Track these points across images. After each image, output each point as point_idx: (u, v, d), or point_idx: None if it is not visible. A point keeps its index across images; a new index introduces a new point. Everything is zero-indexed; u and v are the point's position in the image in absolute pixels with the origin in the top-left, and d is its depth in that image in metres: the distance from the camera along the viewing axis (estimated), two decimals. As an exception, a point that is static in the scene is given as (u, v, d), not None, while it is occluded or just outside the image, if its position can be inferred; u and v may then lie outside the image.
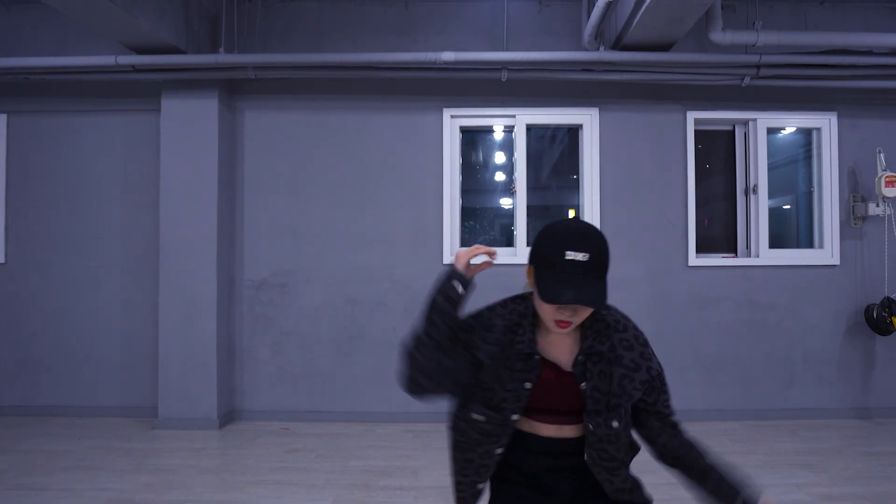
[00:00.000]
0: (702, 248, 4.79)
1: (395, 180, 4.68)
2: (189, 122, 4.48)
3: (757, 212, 4.75)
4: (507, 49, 4.51)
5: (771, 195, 4.86)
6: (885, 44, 4.15)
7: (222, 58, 4.11)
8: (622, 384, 1.35)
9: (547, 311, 1.30)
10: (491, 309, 1.44)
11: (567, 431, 1.41)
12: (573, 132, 4.90)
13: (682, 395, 4.43)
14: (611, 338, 1.37)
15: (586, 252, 1.23)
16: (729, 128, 4.92)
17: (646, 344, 1.42)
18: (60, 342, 4.75)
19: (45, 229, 4.77)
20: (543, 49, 4.41)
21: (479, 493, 1.46)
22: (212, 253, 4.47)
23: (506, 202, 4.96)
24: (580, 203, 4.77)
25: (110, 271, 4.77)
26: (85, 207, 4.77)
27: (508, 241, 4.84)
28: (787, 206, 5.19)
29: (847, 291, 4.73)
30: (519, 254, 4.67)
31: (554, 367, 1.38)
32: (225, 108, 4.58)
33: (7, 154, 4.80)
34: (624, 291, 4.52)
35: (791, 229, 5.12)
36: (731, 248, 4.90)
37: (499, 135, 5.02)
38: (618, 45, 4.15)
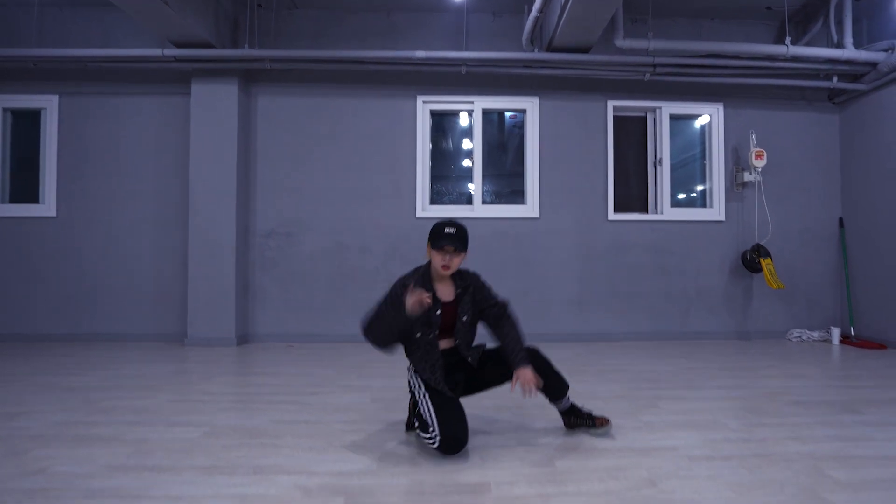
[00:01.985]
0: (620, 208, 6.10)
1: (378, 151, 5.89)
2: (214, 103, 5.62)
3: (662, 179, 6.09)
4: (467, 49, 5.78)
5: (684, 177, 6.20)
6: (752, 51, 5.51)
7: (246, 52, 5.29)
8: (473, 300, 2.65)
9: (437, 260, 2.51)
10: (403, 278, 2.57)
11: (449, 344, 2.64)
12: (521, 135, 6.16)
13: (604, 322, 5.82)
14: (466, 282, 2.64)
15: (453, 228, 2.52)
16: (641, 114, 6.25)
17: (478, 279, 2.69)
18: (102, 281, 5.82)
19: (89, 189, 5.84)
20: (495, 50, 5.68)
21: (439, 378, 2.54)
22: (231, 207, 5.60)
23: (467, 175, 6.19)
24: (524, 171, 6.03)
25: (145, 223, 5.86)
26: (124, 172, 5.86)
27: (468, 200, 6.08)
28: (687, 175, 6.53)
29: (731, 241, 6.08)
30: (476, 209, 5.92)
31: (445, 302, 2.59)
32: (242, 93, 5.74)
33: (59, 128, 5.86)
34: (558, 239, 5.84)
35: (689, 193, 6.46)
36: (643, 208, 6.22)
37: (464, 121, 6.23)
38: (549, 48, 5.43)
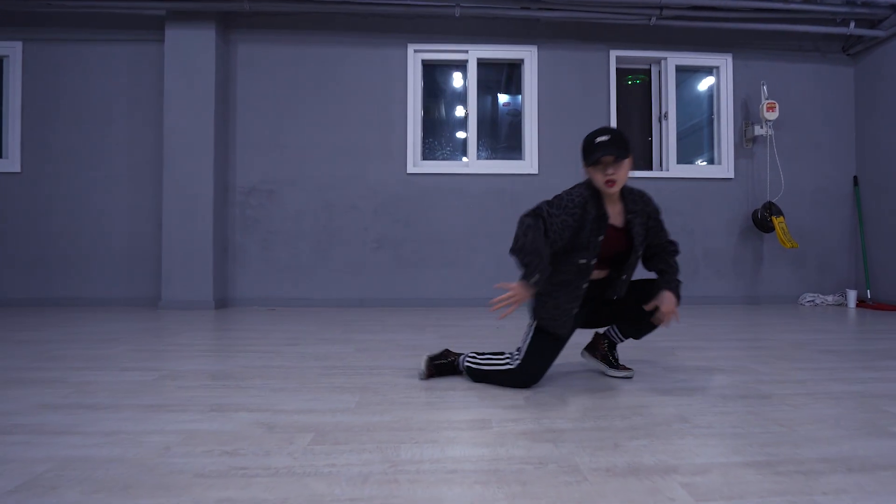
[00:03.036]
0: (623, 165, 5.73)
1: (367, 103, 5.51)
2: (190, 50, 5.22)
3: (668, 134, 5.73)
4: (461, -9, 5.39)
5: (680, 122, 5.85)
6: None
7: (222, -12, 4.87)
8: (646, 227, 2.22)
9: (598, 177, 2.07)
10: (568, 192, 2.13)
11: (601, 275, 2.28)
12: (516, 68, 5.78)
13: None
14: (640, 203, 2.19)
15: (608, 135, 2.04)
16: (646, 66, 5.88)
17: (652, 202, 2.24)
18: (72, 242, 5.43)
19: (57, 143, 5.44)
20: (491, -8, 5.30)
21: (574, 317, 2.25)
22: (209, 162, 5.22)
23: (461, 135, 5.82)
24: (522, 124, 5.67)
25: (117, 180, 5.46)
26: (94, 124, 5.46)
27: (463, 151, 5.71)
28: (694, 131, 6.18)
29: (740, 200, 5.75)
30: (470, 165, 5.55)
31: (612, 226, 2.16)
32: (221, 40, 5.33)
33: (23, 77, 5.44)
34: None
35: (696, 149, 6.11)
36: (647, 165, 5.87)
37: (458, 83, 5.85)
38: (550, -13, 5.06)
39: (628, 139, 2.14)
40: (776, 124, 5.61)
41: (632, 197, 2.20)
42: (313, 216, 5.44)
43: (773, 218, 5.44)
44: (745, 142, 5.75)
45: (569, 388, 2.20)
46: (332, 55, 5.50)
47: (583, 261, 2.11)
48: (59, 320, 4.29)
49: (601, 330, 2.86)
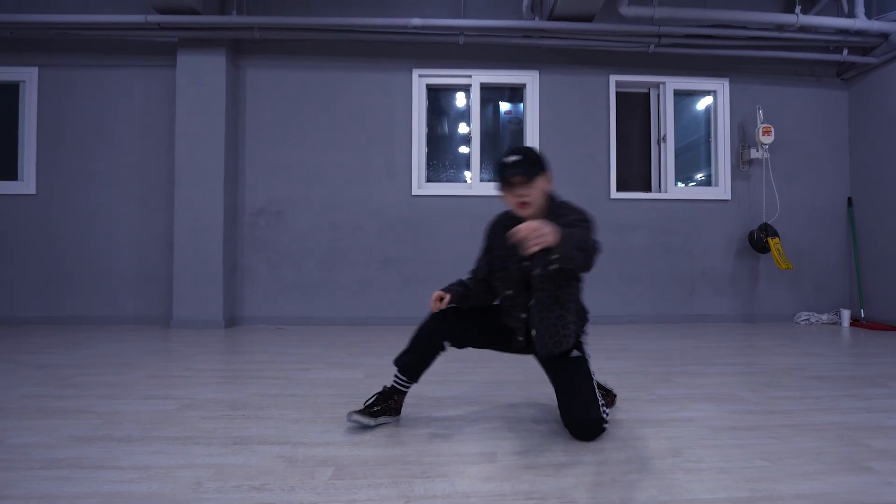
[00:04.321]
0: (622, 186, 5.89)
1: (372, 127, 5.66)
2: (201, 76, 5.38)
3: (666, 156, 5.88)
4: (465, 17, 5.55)
5: (690, 160, 6.00)
6: (761, 20, 5.31)
7: (234, 19, 5.04)
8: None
9: (510, 199, 2.02)
10: (489, 225, 2.24)
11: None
12: (517, 92, 5.94)
13: (606, 304, 5.60)
14: (558, 216, 1.96)
15: (518, 155, 2.00)
16: (645, 90, 6.04)
17: (582, 214, 2.01)
18: (83, 262, 5.57)
19: (71, 166, 5.59)
20: (493, 19, 5.46)
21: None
22: (219, 184, 5.37)
23: (463, 150, 5.96)
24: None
25: (128, 202, 5.61)
26: (107, 148, 5.61)
27: (467, 167, 5.86)
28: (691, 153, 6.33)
29: (736, 221, 5.89)
30: (474, 187, 5.70)
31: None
32: (231, 65, 5.49)
33: (38, 101, 5.60)
34: (557, 216, 5.60)
35: (692, 166, 6.24)
36: (646, 187, 6.01)
37: (461, 102, 6.00)
38: (550, 16, 5.22)
39: (541, 156, 2.06)
40: (772, 147, 5.76)
41: (557, 212, 2.02)
42: (320, 236, 5.58)
43: (769, 239, 5.57)
44: (742, 164, 5.90)
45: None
46: (338, 79, 5.66)
47: (508, 291, 2.14)
48: (73, 341, 4.43)
49: None
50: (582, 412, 2.02)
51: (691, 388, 2.90)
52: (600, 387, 2.37)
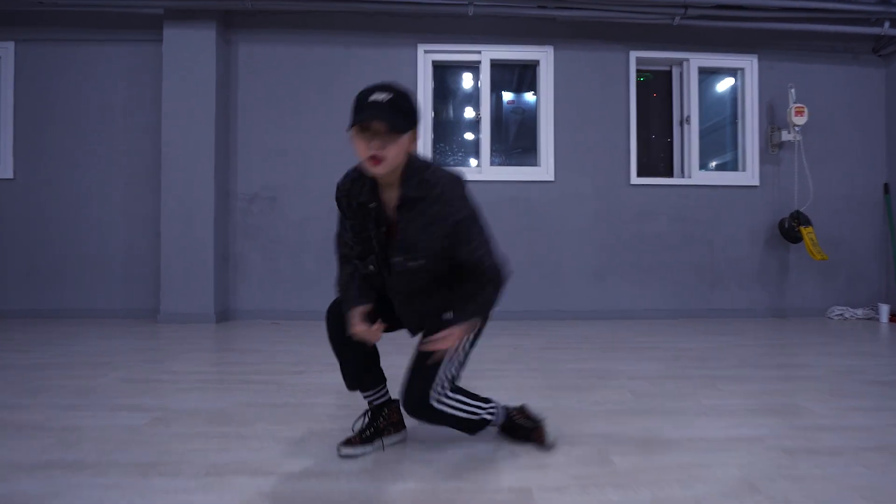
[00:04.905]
0: (643, 171, 5.48)
1: (374, 106, 5.23)
2: (189, 51, 4.97)
3: (690, 139, 5.47)
4: (474, -11, 5.12)
5: (714, 142, 5.58)
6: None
7: (223, -15, 4.62)
8: (429, 230, 1.60)
9: (361, 150, 1.53)
10: (339, 191, 1.72)
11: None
12: (532, 75, 5.53)
13: (624, 297, 5.22)
14: (424, 190, 1.59)
15: (387, 93, 1.51)
16: (667, 68, 5.61)
17: (460, 197, 1.62)
18: (67, 251, 5.19)
19: (51, 149, 5.20)
20: (504, -11, 5.03)
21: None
22: (209, 168, 4.97)
23: (470, 135, 5.56)
24: (537, 129, 5.40)
25: (113, 187, 5.22)
26: (90, 129, 5.21)
27: (476, 154, 5.46)
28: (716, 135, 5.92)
29: (765, 208, 5.48)
30: (484, 172, 5.30)
31: (388, 216, 1.66)
32: (221, 40, 5.08)
33: (15, 79, 5.20)
34: (575, 205, 5.24)
35: (719, 155, 5.83)
36: (668, 172, 5.61)
37: (468, 84, 5.59)
38: (568, -16, 4.80)
39: (415, 106, 1.60)
40: (804, 129, 5.34)
41: (418, 180, 1.60)
42: (318, 224, 5.19)
43: (802, 228, 5.17)
44: (771, 147, 5.49)
45: (611, 440, 1.95)
46: (337, 56, 5.24)
47: (370, 268, 1.70)
48: (52, 337, 4.05)
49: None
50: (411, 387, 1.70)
51: (744, 397, 2.51)
52: (520, 412, 1.95)
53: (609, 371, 3.03)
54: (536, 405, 2.11)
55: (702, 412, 2.27)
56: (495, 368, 3.05)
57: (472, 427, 1.81)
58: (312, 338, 4.12)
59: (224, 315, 5.08)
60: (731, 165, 5.66)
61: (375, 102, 1.49)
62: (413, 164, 1.61)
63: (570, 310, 5.24)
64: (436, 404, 1.70)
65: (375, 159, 1.51)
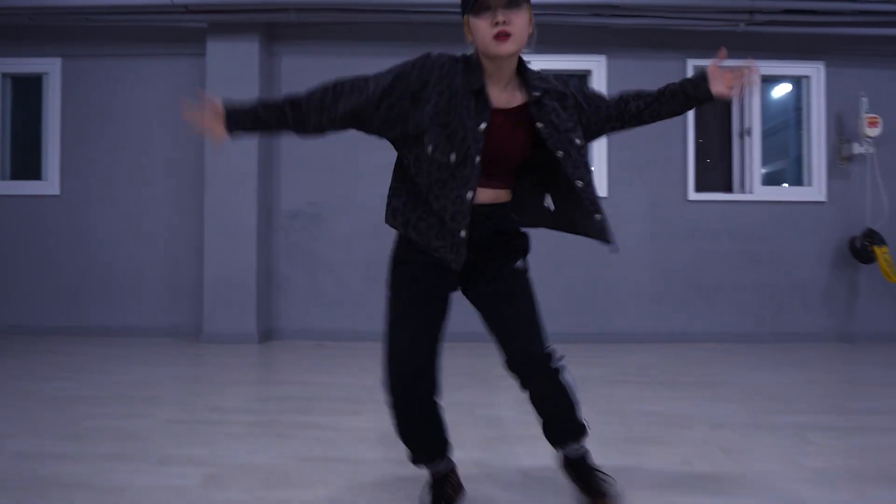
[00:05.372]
0: (701, 186, 5.20)
1: (420, 120, 5.07)
2: (233, 65, 4.87)
3: (751, 152, 5.17)
4: (525, -2, 4.91)
5: (770, 148, 5.26)
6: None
7: (268, -1, 4.51)
8: (568, 112, 1.53)
9: (485, 30, 1.37)
10: (426, 57, 1.53)
11: (503, 196, 1.58)
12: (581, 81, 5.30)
13: (682, 320, 4.94)
14: (546, 81, 1.53)
15: None
16: (726, 76, 5.31)
17: (566, 80, 1.61)
18: (110, 268, 5.14)
19: (97, 165, 5.16)
20: (556, -2, 4.81)
21: (462, 242, 1.45)
22: (252, 185, 4.87)
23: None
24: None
25: (157, 203, 5.16)
26: (134, 144, 5.16)
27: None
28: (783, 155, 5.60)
29: (833, 225, 5.14)
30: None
31: (503, 113, 1.47)
32: (265, 52, 4.98)
33: (62, 95, 5.18)
34: (629, 223, 4.99)
35: (787, 172, 5.51)
36: (728, 187, 5.31)
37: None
38: (626, -9, 4.56)
39: None
40: (877, 141, 4.99)
41: (535, 74, 1.53)
42: (363, 242, 5.04)
43: (876, 248, 4.84)
44: (840, 160, 5.15)
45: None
46: (380, 67, 5.03)
47: (453, 156, 1.42)
48: (95, 361, 4.00)
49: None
50: (526, 343, 1.53)
51: (846, 456, 2.25)
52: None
53: (685, 417, 2.80)
54: (618, 464, 1.90)
55: (808, 478, 2.02)
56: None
57: (581, 430, 1.65)
58: (359, 365, 3.97)
59: (267, 335, 4.97)
60: (795, 177, 5.34)
61: None
62: (523, 63, 1.52)
63: (626, 332, 5.00)
64: (562, 372, 1.56)
65: (503, 35, 1.36)
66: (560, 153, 1.48)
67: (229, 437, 2.43)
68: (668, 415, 2.83)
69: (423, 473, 1.76)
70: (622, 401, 3.07)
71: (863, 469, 2.12)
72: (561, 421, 1.65)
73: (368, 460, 2.18)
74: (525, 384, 1.56)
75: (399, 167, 1.58)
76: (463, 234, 1.43)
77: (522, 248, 1.61)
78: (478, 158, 1.41)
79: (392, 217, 1.57)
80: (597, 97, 1.63)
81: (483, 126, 1.41)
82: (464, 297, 1.65)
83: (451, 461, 1.72)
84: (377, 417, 2.69)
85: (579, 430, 1.67)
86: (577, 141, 1.52)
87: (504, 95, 1.49)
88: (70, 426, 2.54)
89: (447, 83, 1.45)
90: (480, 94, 1.44)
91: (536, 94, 1.47)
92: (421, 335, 1.51)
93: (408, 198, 1.53)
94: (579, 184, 1.52)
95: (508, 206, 1.61)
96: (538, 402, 1.61)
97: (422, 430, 1.59)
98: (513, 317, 1.53)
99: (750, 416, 2.81)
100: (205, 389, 3.25)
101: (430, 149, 1.43)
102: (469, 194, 1.42)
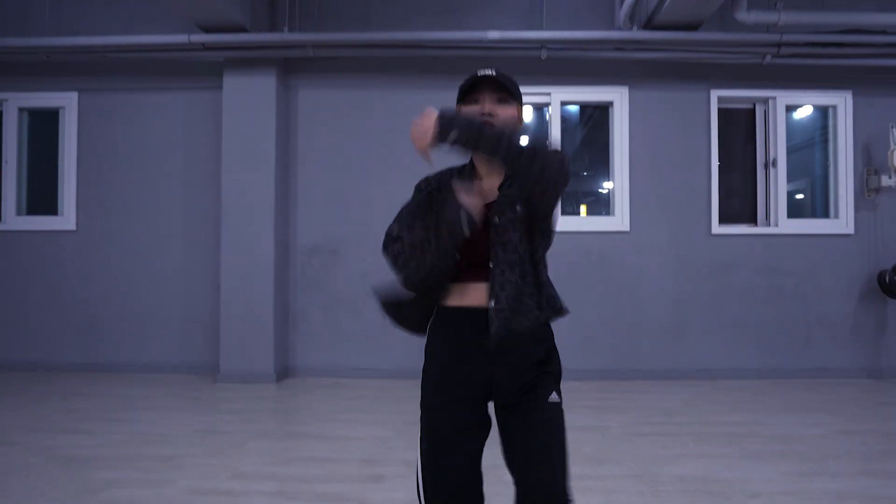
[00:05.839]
0: (725, 219, 5.10)
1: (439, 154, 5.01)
2: (249, 98, 4.83)
3: (776, 184, 5.06)
4: (546, 29, 4.84)
5: (790, 170, 5.15)
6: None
7: (286, 36, 4.47)
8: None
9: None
10: (439, 173, 1.58)
11: (480, 299, 1.44)
12: (601, 114, 5.21)
13: (705, 354, 4.85)
14: None
15: (492, 70, 1.44)
16: (750, 106, 5.22)
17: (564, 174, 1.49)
18: (126, 304, 5.12)
19: (112, 200, 5.14)
20: (574, 29, 4.73)
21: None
22: (269, 220, 4.83)
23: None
24: (611, 174, 5.08)
25: (173, 239, 5.13)
26: (149, 179, 5.14)
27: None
28: (805, 180, 5.48)
29: (861, 259, 5.03)
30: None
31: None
32: (281, 86, 4.94)
33: (78, 129, 5.16)
34: (652, 257, 4.90)
35: (809, 201, 5.41)
36: (752, 219, 5.20)
37: (527, 117, 5.32)
38: (649, 25, 4.49)
39: (515, 86, 1.50)
40: (906, 173, 4.88)
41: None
42: (380, 277, 4.94)
43: (906, 282, 4.71)
44: (868, 192, 5.04)
45: None
46: (400, 101, 5.03)
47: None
48: (114, 408, 3.95)
49: None
50: (547, 484, 1.37)
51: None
52: None
53: (720, 481, 2.70)
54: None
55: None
56: (592, 474, 2.75)
57: None
58: (376, 409, 3.92)
59: (284, 373, 4.92)
60: (822, 208, 5.22)
61: (483, 76, 1.45)
62: None
63: (649, 368, 4.90)
64: None
65: (489, 117, 1.42)
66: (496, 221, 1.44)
67: (250, 512, 2.37)
68: (701, 479, 2.74)
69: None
70: (652, 461, 2.98)
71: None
72: None
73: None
74: None
75: None
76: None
77: (555, 372, 1.50)
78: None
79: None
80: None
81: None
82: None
83: None
84: (401, 485, 2.63)
85: None
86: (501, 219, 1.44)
87: (490, 182, 1.51)
88: (88, 496, 2.49)
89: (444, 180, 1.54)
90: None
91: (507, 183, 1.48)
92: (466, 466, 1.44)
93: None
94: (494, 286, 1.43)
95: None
96: None
97: None
98: (538, 457, 1.41)
99: (785, 481, 2.71)
100: (225, 447, 3.18)
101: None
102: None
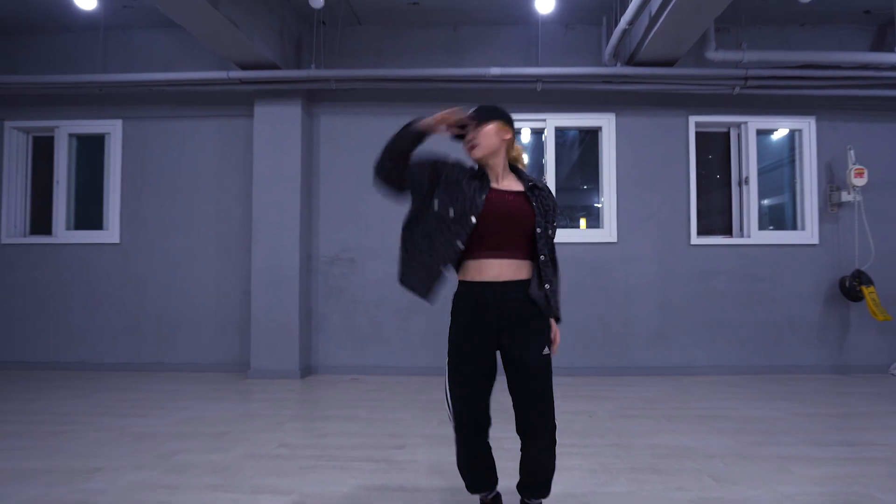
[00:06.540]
0: (703, 231, 5.68)
1: (445, 173, 5.60)
2: (277, 125, 5.44)
3: (749, 199, 5.65)
4: (540, 65, 5.47)
5: (761, 188, 5.75)
6: (852, 60, 5.07)
7: (313, 72, 5.09)
8: (544, 207, 2.03)
9: (464, 149, 2.04)
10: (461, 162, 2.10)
11: (522, 272, 2.02)
12: (592, 137, 5.81)
13: (686, 353, 5.40)
14: (534, 180, 2.08)
15: (475, 106, 2.08)
16: (724, 129, 5.82)
17: (551, 194, 2.11)
18: (164, 309, 5.69)
19: (152, 215, 5.73)
20: (567, 65, 5.37)
21: (440, 274, 2.08)
22: (295, 233, 5.41)
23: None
24: (599, 192, 5.68)
25: (206, 250, 5.71)
26: (186, 197, 5.73)
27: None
28: (775, 197, 6.07)
29: (825, 266, 5.60)
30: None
31: (503, 192, 2.00)
32: (306, 114, 5.54)
33: (122, 153, 5.77)
34: (637, 266, 5.47)
35: (778, 214, 5.99)
36: (727, 231, 5.78)
37: (525, 138, 5.92)
38: (631, 62, 5.09)
39: (502, 110, 2.11)
40: (864, 189, 5.46)
41: (527, 175, 2.12)
42: (394, 284, 5.49)
43: (863, 287, 5.28)
44: (830, 206, 5.62)
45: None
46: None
47: (458, 242, 1.97)
48: (159, 398, 4.50)
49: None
50: (541, 412, 2.01)
51: (817, 483, 2.70)
52: None
53: (683, 449, 3.25)
54: (623, 490, 2.36)
55: (779, 502, 2.48)
56: (578, 443, 3.31)
57: (548, 491, 2.13)
58: (392, 400, 4.46)
59: (307, 370, 5.48)
60: (790, 221, 5.80)
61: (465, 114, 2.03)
62: (514, 166, 2.13)
63: (635, 366, 5.45)
64: (555, 445, 2.10)
65: (472, 147, 2.02)
66: (538, 230, 1.99)
67: (303, 469, 2.93)
68: (668, 447, 3.29)
69: (473, 500, 2.25)
70: (630, 434, 3.53)
71: (827, 496, 2.57)
72: (539, 480, 2.10)
73: (422, 488, 2.66)
74: (527, 445, 2.05)
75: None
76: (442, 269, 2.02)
77: (545, 332, 2.06)
78: (474, 219, 1.93)
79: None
80: (554, 205, 2.10)
81: (483, 196, 1.95)
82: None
83: (497, 491, 2.20)
84: (419, 451, 3.19)
85: (547, 491, 2.12)
86: (549, 226, 2.03)
87: (503, 183, 2.06)
88: (167, 459, 3.04)
89: (460, 168, 2.07)
90: (483, 177, 2.02)
91: (530, 183, 2.06)
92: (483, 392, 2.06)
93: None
94: (542, 257, 2.00)
95: (527, 283, 2.02)
96: (529, 462, 2.08)
97: (479, 464, 2.08)
98: (533, 393, 2.00)
99: (740, 448, 3.26)
100: (268, 426, 3.74)
101: (435, 203, 2.01)
102: (459, 243, 1.95)
